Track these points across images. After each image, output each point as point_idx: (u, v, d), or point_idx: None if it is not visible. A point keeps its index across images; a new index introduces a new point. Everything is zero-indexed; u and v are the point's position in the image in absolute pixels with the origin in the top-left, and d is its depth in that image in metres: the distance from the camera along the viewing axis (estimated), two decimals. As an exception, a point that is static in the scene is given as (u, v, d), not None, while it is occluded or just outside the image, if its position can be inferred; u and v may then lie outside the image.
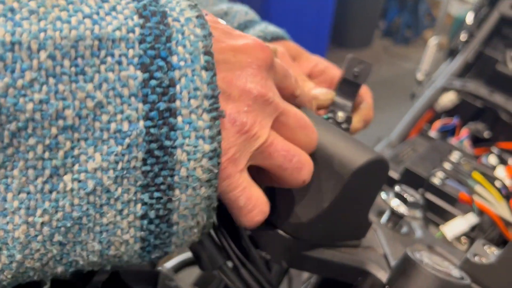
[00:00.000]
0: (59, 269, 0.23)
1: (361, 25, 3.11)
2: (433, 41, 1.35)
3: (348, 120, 0.41)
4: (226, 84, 0.25)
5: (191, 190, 0.24)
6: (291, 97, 0.33)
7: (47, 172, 0.21)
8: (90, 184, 0.21)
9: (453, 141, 0.79)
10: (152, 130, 0.22)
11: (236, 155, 0.25)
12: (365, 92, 0.48)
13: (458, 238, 0.56)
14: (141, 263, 0.26)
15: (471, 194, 0.58)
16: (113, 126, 0.21)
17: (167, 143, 0.22)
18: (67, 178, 0.21)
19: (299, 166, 0.29)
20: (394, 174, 0.60)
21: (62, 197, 0.21)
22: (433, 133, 0.84)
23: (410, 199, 0.41)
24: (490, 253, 0.41)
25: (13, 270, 0.21)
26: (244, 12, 0.53)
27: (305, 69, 0.50)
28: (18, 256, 0.21)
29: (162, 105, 0.22)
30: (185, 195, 0.24)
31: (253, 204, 0.27)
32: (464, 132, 0.82)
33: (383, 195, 0.45)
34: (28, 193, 0.21)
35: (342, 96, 0.42)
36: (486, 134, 1.15)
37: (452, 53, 1.29)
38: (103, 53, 0.21)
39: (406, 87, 1.57)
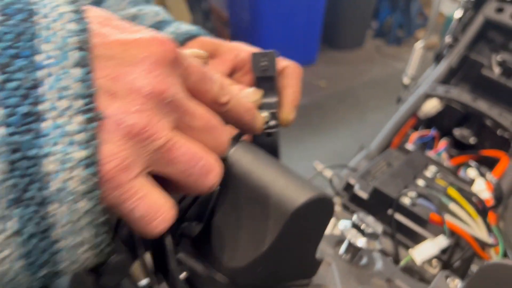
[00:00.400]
0: None
1: (353, 26, 3.07)
2: (419, 45, 1.33)
3: (274, 116, 0.38)
4: (111, 82, 0.23)
5: (68, 204, 0.21)
6: (216, 105, 0.29)
7: None
8: None
9: (431, 153, 0.76)
10: (14, 138, 0.20)
11: (126, 161, 0.22)
12: (286, 76, 0.41)
13: (429, 261, 0.53)
14: (36, 285, 0.23)
15: (443, 213, 0.56)
16: None
17: (33, 152, 0.20)
18: None
19: (205, 171, 0.26)
20: (363, 194, 0.58)
21: None
22: (410, 145, 0.82)
23: (368, 230, 0.39)
24: (453, 287, 0.39)
25: None
26: (154, 13, 0.49)
27: (227, 63, 0.44)
28: None
29: (23, 109, 0.20)
30: (63, 209, 0.21)
31: (154, 212, 0.24)
32: (441, 145, 0.80)
33: (341, 224, 0.42)
34: None
35: (265, 93, 0.38)
36: (472, 140, 1.13)
37: (437, 57, 1.27)
38: None
39: (398, 87, 1.54)
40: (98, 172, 0.21)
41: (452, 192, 0.63)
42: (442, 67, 1.17)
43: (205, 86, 0.28)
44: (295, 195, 0.29)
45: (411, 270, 0.53)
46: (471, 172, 0.71)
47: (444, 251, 0.54)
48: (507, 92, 1.19)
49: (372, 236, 0.40)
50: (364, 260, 0.41)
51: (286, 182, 0.30)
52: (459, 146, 1.14)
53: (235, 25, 3.03)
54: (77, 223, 0.22)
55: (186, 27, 0.47)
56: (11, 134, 0.19)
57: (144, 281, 0.34)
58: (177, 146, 0.25)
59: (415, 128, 1.12)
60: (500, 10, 1.18)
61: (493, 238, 0.63)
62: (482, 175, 0.69)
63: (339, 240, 0.43)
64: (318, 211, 0.31)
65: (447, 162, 0.74)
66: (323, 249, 0.41)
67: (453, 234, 0.55)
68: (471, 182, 0.69)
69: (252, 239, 0.30)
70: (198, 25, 0.53)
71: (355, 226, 0.40)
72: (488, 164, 1.01)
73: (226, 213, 0.31)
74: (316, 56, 3.01)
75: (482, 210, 0.65)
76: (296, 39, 2.81)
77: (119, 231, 0.33)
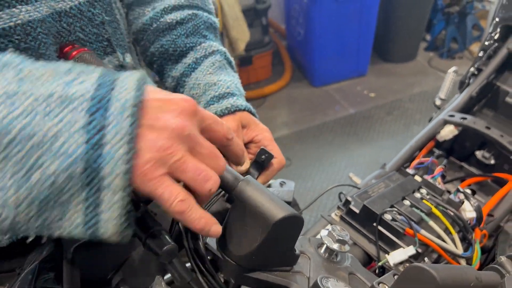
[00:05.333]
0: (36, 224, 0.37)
1: (405, 39, 3.14)
2: (451, 70, 1.44)
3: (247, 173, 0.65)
4: (153, 120, 0.38)
5: (111, 192, 0.36)
6: (224, 140, 0.46)
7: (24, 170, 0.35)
8: (50, 180, 0.35)
9: (429, 177, 0.91)
10: (87, 155, 0.35)
11: (156, 164, 0.37)
12: (275, 165, 0.67)
13: (401, 264, 0.70)
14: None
15: (420, 228, 0.72)
16: (63, 148, 0.35)
17: (96, 163, 0.35)
18: (35, 176, 0.35)
19: (205, 179, 0.40)
20: (356, 209, 0.75)
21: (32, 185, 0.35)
22: (410, 170, 0.97)
23: (338, 237, 0.57)
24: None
25: (9, 222, 0.36)
26: (227, 85, 0.70)
27: (249, 133, 0.68)
28: (13, 212, 0.35)
29: (96, 138, 0.35)
30: (109, 195, 0.37)
31: (174, 196, 0.39)
32: (438, 170, 0.94)
33: (322, 232, 0.60)
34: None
35: (254, 167, 0.65)
36: (491, 160, 1.24)
37: (462, 85, 1.38)
38: (65, 104, 0.36)
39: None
40: (133, 174, 0.37)
41: (435, 211, 0.78)
42: (463, 96, 1.29)
43: (217, 127, 0.46)
44: (275, 213, 0.47)
45: (388, 271, 0.69)
46: (460, 195, 0.85)
47: (416, 258, 0.70)
48: (529, 119, 1.29)
49: (342, 242, 0.57)
50: (339, 257, 0.58)
51: (271, 204, 0.48)
52: (481, 166, 1.26)
53: (291, 38, 3.21)
54: (114, 206, 0.37)
55: (241, 102, 0.69)
56: (86, 153, 0.35)
57: (188, 264, 0.54)
58: (188, 161, 0.39)
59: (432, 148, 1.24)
60: (523, 43, 1.28)
61: (471, 251, 0.78)
62: (468, 200, 0.83)
63: (320, 244, 0.60)
64: (291, 223, 0.49)
65: (441, 186, 0.88)
66: (307, 248, 0.59)
67: (425, 245, 0.71)
68: (460, 204, 0.83)
69: (249, 238, 0.49)
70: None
71: (330, 234, 0.57)
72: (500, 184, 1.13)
73: (234, 222, 0.50)
74: (367, 68, 3.13)
75: (464, 227, 0.79)
76: (347, 51, 2.94)
77: (172, 230, 0.54)
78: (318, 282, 0.49)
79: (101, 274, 0.66)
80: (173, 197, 0.39)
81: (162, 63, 0.76)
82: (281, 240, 0.50)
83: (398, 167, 1.06)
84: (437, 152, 1.20)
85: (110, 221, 0.37)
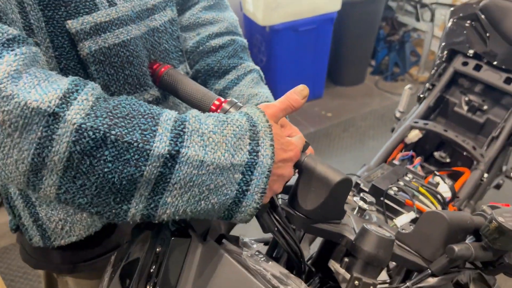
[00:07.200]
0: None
1: (354, 65, 3.49)
2: (407, 87, 1.72)
3: None
4: (280, 151, 0.58)
5: (251, 207, 0.57)
6: None
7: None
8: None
9: (410, 167, 1.14)
10: (239, 193, 0.55)
11: (276, 184, 0.59)
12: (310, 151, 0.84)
13: (406, 226, 0.91)
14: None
15: (415, 201, 0.93)
16: (224, 191, 0.53)
17: (245, 196, 0.55)
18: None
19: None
20: (365, 187, 0.96)
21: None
22: (396, 161, 1.20)
23: (368, 199, 0.76)
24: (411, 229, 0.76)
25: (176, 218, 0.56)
26: (266, 96, 0.89)
27: (287, 132, 0.84)
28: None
29: (242, 184, 0.54)
30: (248, 203, 0.56)
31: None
32: (417, 161, 1.18)
33: (355, 198, 0.79)
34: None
35: None
36: (447, 159, 1.51)
37: (419, 99, 1.67)
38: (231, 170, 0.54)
39: (393, 118, 1.89)
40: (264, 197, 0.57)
41: (422, 190, 1.01)
42: (422, 106, 1.57)
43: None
44: (335, 176, 0.66)
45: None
46: (437, 178, 1.08)
47: (415, 221, 0.91)
48: (473, 124, 1.58)
49: (370, 203, 0.77)
50: (367, 217, 0.78)
51: (331, 171, 0.67)
52: (438, 164, 1.52)
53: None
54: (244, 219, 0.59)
55: None
56: (237, 195, 0.56)
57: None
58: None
59: (400, 150, 1.50)
60: (465, 63, 1.58)
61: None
62: (443, 180, 1.06)
63: (353, 208, 0.80)
64: (345, 184, 0.67)
65: (421, 172, 1.11)
66: (346, 210, 0.78)
67: (420, 212, 0.92)
68: (436, 185, 1.06)
69: (316, 196, 0.66)
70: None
71: (362, 198, 0.77)
72: (457, 176, 1.39)
73: (303, 186, 0.67)
74: (323, 91, 3.44)
75: (442, 202, 1.02)
76: (305, 76, 3.23)
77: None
78: (365, 225, 0.68)
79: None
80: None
81: (206, 78, 0.94)
82: (337, 197, 0.65)
83: (380, 164, 1.30)
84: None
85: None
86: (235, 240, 0.71)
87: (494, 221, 0.65)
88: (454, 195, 1.03)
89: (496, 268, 0.72)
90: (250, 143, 0.54)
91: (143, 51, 0.72)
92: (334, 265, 0.69)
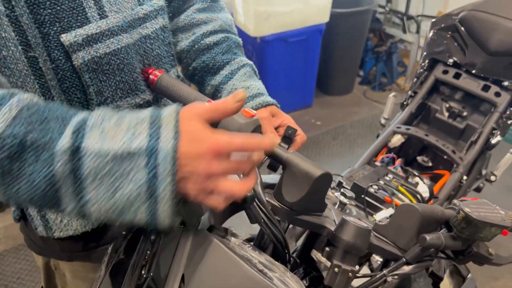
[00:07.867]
0: None
1: (343, 75, 3.57)
2: (391, 95, 1.80)
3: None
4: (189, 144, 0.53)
5: (162, 203, 0.52)
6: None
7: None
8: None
9: (391, 168, 1.20)
10: (151, 182, 0.51)
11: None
12: (298, 139, 0.88)
13: (383, 220, 0.97)
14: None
15: (394, 198, 1.00)
16: (134, 177, 0.51)
17: (156, 186, 0.51)
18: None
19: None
20: (347, 186, 1.02)
21: None
22: (377, 162, 1.27)
23: (348, 194, 0.82)
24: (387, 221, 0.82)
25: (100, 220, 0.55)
26: (258, 88, 0.94)
27: (277, 121, 0.91)
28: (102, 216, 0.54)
29: (150, 169, 0.51)
30: (162, 193, 0.52)
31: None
32: (397, 162, 1.24)
33: (336, 193, 0.85)
34: None
35: (283, 142, 0.79)
36: (429, 163, 1.58)
37: (402, 105, 1.74)
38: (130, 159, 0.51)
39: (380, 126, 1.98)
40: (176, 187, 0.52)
41: (401, 189, 1.07)
42: (405, 113, 1.64)
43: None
44: (315, 171, 0.71)
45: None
46: (416, 179, 1.15)
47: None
48: (454, 129, 1.66)
49: (350, 198, 0.83)
50: (347, 211, 0.84)
51: (312, 166, 0.73)
52: (421, 168, 1.59)
53: (243, 74, 3.51)
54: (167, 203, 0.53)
55: (268, 99, 0.93)
56: (148, 180, 0.51)
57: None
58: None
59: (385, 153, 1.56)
60: (445, 72, 1.66)
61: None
62: (422, 181, 1.13)
63: (334, 202, 0.86)
64: (325, 179, 0.73)
65: (401, 173, 1.17)
66: (328, 204, 0.84)
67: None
68: (416, 185, 1.12)
69: (297, 190, 0.71)
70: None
71: (342, 194, 0.83)
72: (439, 179, 1.45)
73: (287, 179, 0.69)
74: (312, 100, 3.51)
75: (421, 201, 1.09)
76: (295, 86, 3.30)
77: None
78: (344, 217, 0.74)
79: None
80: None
81: (203, 75, 0.99)
82: (318, 190, 0.69)
83: (363, 165, 1.36)
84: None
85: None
86: (224, 231, 0.77)
87: (461, 212, 0.71)
88: (432, 195, 1.09)
89: (465, 256, 0.77)
90: (150, 129, 0.52)
91: (135, 57, 0.77)
92: (316, 254, 0.74)
